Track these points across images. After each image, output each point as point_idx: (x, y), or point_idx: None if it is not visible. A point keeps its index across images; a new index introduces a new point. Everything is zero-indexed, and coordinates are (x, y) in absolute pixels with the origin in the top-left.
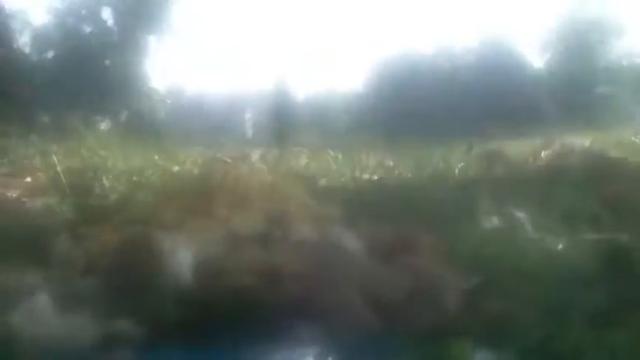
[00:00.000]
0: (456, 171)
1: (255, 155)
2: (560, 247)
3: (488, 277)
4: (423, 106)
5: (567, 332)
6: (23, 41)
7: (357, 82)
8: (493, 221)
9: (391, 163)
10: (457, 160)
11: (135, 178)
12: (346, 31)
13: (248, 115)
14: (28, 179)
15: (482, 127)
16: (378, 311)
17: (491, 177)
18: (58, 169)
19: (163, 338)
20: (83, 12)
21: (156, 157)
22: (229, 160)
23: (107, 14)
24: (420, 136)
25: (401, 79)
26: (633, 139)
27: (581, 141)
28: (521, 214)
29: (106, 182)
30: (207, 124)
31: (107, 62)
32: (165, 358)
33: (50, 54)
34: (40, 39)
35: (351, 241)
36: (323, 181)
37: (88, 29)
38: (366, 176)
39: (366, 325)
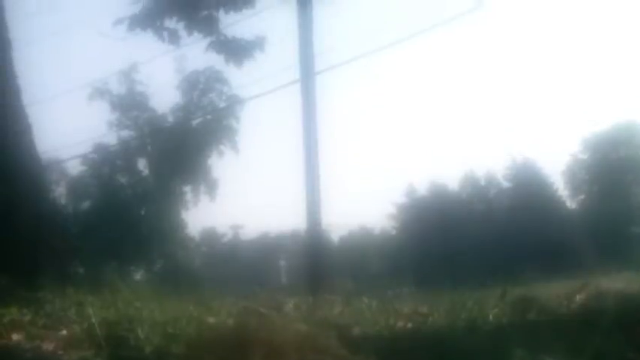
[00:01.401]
0: (490, 317)
1: (289, 304)
2: None
3: None
4: (456, 250)
5: None
6: (59, 192)
7: (388, 222)
8: None
9: (425, 310)
10: (491, 306)
11: (170, 330)
12: (375, 165)
13: (282, 262)
14: (64, 332)
15: (516, 270)
16: None
17: (525, 322)
18: (94, 320)
19: None
20: (118, 162)
21: (190, 308)
22: (264, 310)
23: (142, 164)
24: (454, 281)
25: (434, 219)
26: None
27: (616, 283)
28: None
29: (140, 334)
30: (242, 273)
31: (142, 212)
32: None
33: (86, 204)
34: (76, 190)
35: None
36: (357, 330)
37: (122, 179)
38: (400, 324)
39: None
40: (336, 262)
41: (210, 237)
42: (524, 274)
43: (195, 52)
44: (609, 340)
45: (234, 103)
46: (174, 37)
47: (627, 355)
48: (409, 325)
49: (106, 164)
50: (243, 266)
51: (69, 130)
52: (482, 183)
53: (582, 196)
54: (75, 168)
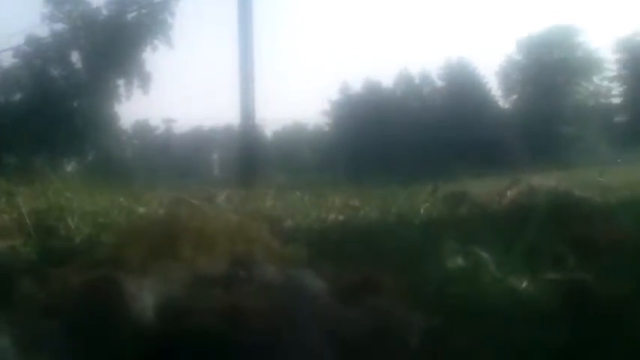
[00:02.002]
0: (421, 211)
1: (222, 196)
2: (523, 286)
3: (452, 317)
4: (389, 146)
5: None
6: None
7: (322, 118)
8: (457, 261)
9: (357, 204)
10: (422, 201)
11: (100, 220)
12: (310, 63)
13: (214, 155)
14: None
15: (447, 166)
16: (340, 352)
17: (456, 217)
18: (23, 210)
19: None
20: (51, 55)
21: (121, 199)
22: (195, 202)
23: (75, 57)
24: (386, 176)
25: (367, 116)
26: (598, 178)
27: (547, 181)
28: (485, 254)
29: (71, 223)
30: (174, 165)
31: (75, 104)
32: None
33: (18, 96)
34: (7, 81)
35: (315, 283)
36: (289, 222)
37: (55, 72)
38: (331, 217)
39: None
40: (268, 156)
41: (143, 130)
42: (456, 172)
43: None
44: (540, 234)
45: None
46: None
47: (557, 248)
48: (340, 217)
49: (39, 57)
50: (175, 159)
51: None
52: (417, 81)
53: (515, 97)
54: (7, 60)
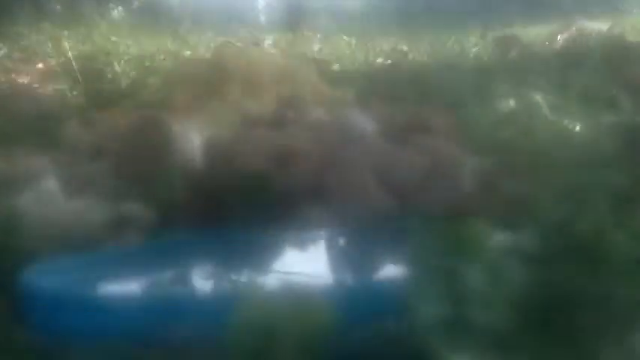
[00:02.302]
0: (471, 55)
1: (268, 40)
2: (577, 128)
3: (505, 159)
4: None
5: (587, 213)
6: None
7: None
8: (509, 104)
9: (405, 48)
10: (472, 45)
11: (147, 63)
12: None
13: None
14: (40, 65)
15: (497, 11)
16: (392, 193)
17: (507, 61)
18: (70, 55)
19: (173, 221)
20: None
21: (168, 43)
22: (241, 45)
23: None
24: (434, 20)
25: None
26: None
27: (599, 25)
28: (537, 97)
29: (117, 67)
30: (219, 9)
31: None
32: (175, 240)
33: None
34: None
35: (365, 123)
36: (336, 66)
37: None
38: (379, 60)
39: (380, 207)
40: (315, 0)
41: None
42: (504, 16)
43: None
44: (594, 77)
45: None
46: None
47: (611, 91)
48: (388, 61)
49: None
50: (220, 4)
51: None
52: None
53: None
54: None
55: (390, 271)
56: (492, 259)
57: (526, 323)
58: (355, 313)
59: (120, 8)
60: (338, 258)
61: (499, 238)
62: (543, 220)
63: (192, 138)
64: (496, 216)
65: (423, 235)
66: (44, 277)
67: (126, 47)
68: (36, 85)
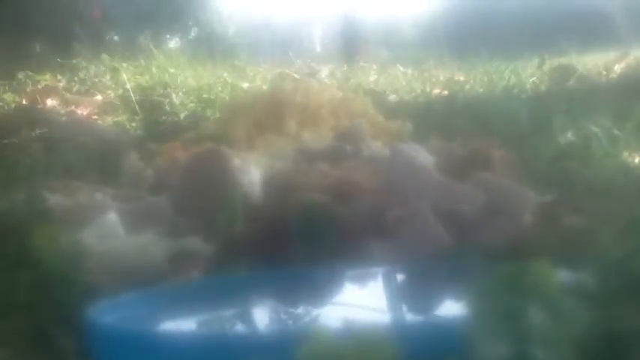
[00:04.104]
0: (528, 85)
1: (325, 71)
2: (637, 161)
3: (565, 193)
4: (493, 19)
5: None
6: None
7: None
8: (568, 136)
9: (462, 78)
10: (529, 75)
11: (204, 95)
12: None
13: (317, 30)
14: (98, 97)
15: (553, 40)
16: (451, 228)
17: (564, 91)
18: (128, 86)
19: (234, 256)
20: None
21: (225, 74)
22: (298, 76)
23: None
24: (490, 49)
25: None
26: None
27: None
28: (596, 129)
29: (175, 99)
30: (276, 41)
31: None
32: (236, 275)
33: None
34: None
35: (423, 157)
36: (392, 97)
37: None
38: (436, 91)
39: (439, 243)
40: (370, 28)
41: (244, 6)
42: (560, 45)
43: None
44: None
45: None
46: None
47: None
48: (445, 92)
49: None
50: (276, 35)
51: None
52: None
53: None
54: None
55: (451, 308)
56: (553, 296)
57: None
58: (417, 352)
59: (177, 39)
60: (398, 294)
61: (560, 275)
62: (604, 256)
63: (252, 171)
64: (557, 252)
65: (483, 272)
66: (106, 313)
67: (184, 79)
68: (95, 117)
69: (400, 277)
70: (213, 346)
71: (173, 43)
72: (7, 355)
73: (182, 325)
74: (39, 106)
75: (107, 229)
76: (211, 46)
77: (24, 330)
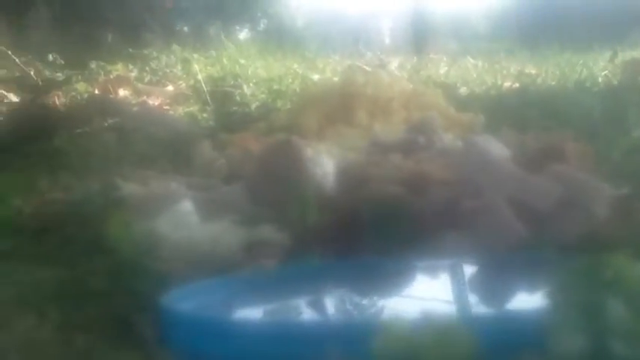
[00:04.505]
0: (600, 79)
1: (395, 63)
2: None
3: (639, 186)
4: (565, 11)
5: None
6: None
7: None
8: None
9: (533, 71)
10: (601, 68)
11: (275, 86)
12: None
13: (387, 22)
14: (170, 87)
15: (625, 33)
16: (526, 221)
17: (637, 85)
18: (199, 77)
19: (307, 246)
20: None
21: (295, 66)
22: (368, 68)
23: None
24: (561, 42)
25: None
26: None
27: None
28: None
29: (246, 90)
30: (346, 32)
31: None
32: (310, 265)
33: None
34: None
35: (497, 149)
36: (464, 89)
37: None
38: (507, 84)
39: (514, 236)
40: (440, 20)
41: None
42: (633, 38)
43: None
44: None
45: None
46: None
47: None
48: (517, 84)
49: None
50: (346, 27)
51: None
52: None
53: None
54: None
55: (528, 301)
56: (633, 289)
57: None
58: (492, 344)
59: (246, 30)
60: (472, 287)
61: (638, 268)
62: None
63: (325, 162)
64: (632, 245)
65: (559, 265)
66: (182, 300)
67: (254, 70)
68: (166, 107)
69: (474, 269)
70: (287, 333)
71: (243, 34)
72: (85, 342)
73: (256, 312)
74: (111, 96)
75: (181, 217)
76: (281, 38)
77: (102, 317)
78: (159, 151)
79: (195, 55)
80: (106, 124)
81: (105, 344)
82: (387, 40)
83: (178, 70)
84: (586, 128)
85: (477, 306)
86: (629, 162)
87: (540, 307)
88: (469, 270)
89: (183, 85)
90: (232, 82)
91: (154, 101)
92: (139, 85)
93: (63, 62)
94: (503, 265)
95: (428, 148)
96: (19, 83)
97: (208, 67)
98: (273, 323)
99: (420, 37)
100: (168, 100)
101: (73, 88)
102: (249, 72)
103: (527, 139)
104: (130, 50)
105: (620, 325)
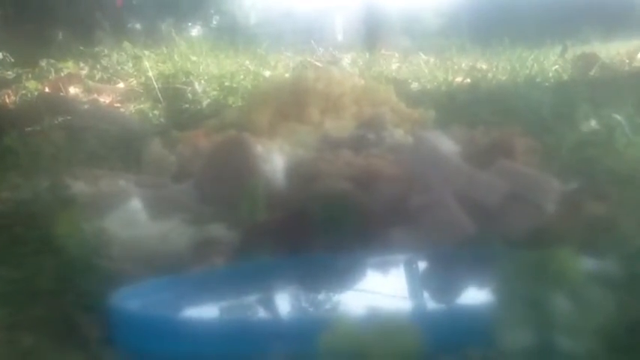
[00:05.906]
0: (550, 74)
1: (347, 59)
2: None
3: (588, 181)
4: (515, 7)
5: None
6: None
7: None
8: (591, 124)
9: (484, 66)
10: (551, 63)
11: (227, 83)
12: None
13: (339, 19)
14: (121, 85)
15: (576, 29)
16: (474, 216)
17: (587, 80)
18: (150, 74)
19: (257, 243)
20: None
21: (247, 62)
22: (320, 64)
23: None
24: (512, 38)
25: None
26: None
27: None
28: (619, 117)
29: (197, 87)
30: (298, 29)
31: None
32: (258, 262)
33: None
34: None
35: (446, 145)
36: (415, 85)
37: None
38: (458, 79)
39: (462, 231)
40: (391, 19)
41: None
42: (583, 34)
43: None
44: None
45: None
46: None
47: None
48: (468, 80)
49: None
50: (298, 24)
51: None
52: None
53: None
54: None
55: (474, 296)
56: (577, 284)
57: (612, 349)
58: (439, 339)
59: (199, 27)
60: (421, 282)
61: (584, 263)
62: (628, 244)
63: (275, 159)
64: (580, 240)
65: (507, 260)
66: (130, 299)
67: (206, 67)
68: (117, 105)
69: (423, 264)
70: (236, 331)
71: (195, 31)
72: (31, 341)
73: (205, 311)
74: (62, 94)
75: (130, 216)
76: (233, 34)
77: (49, 317)
78: (109, 149)
79: (147, 53)
80: (57, 123)
81: (51, 344)
82: (340, 37)
83: (129, 67)
84: (536, 123)
85: (426, 301)
86: (577, 157)
87: (487, 302)
88: (418, 265)
89: (135, 82)
90: (184, 79)
91: (104, 99)
92: (90, 83)
93: (13, 60)
94: (451, 261)
95: (378, 145)
96: None
97: (159, 65)
98: (222, 322)
99: (372, 34)
100: (119, 98)
101: (24, 87)
102: (201, 69)
103: (476, 134)
104: (81, 48)
105: (564, 319)
